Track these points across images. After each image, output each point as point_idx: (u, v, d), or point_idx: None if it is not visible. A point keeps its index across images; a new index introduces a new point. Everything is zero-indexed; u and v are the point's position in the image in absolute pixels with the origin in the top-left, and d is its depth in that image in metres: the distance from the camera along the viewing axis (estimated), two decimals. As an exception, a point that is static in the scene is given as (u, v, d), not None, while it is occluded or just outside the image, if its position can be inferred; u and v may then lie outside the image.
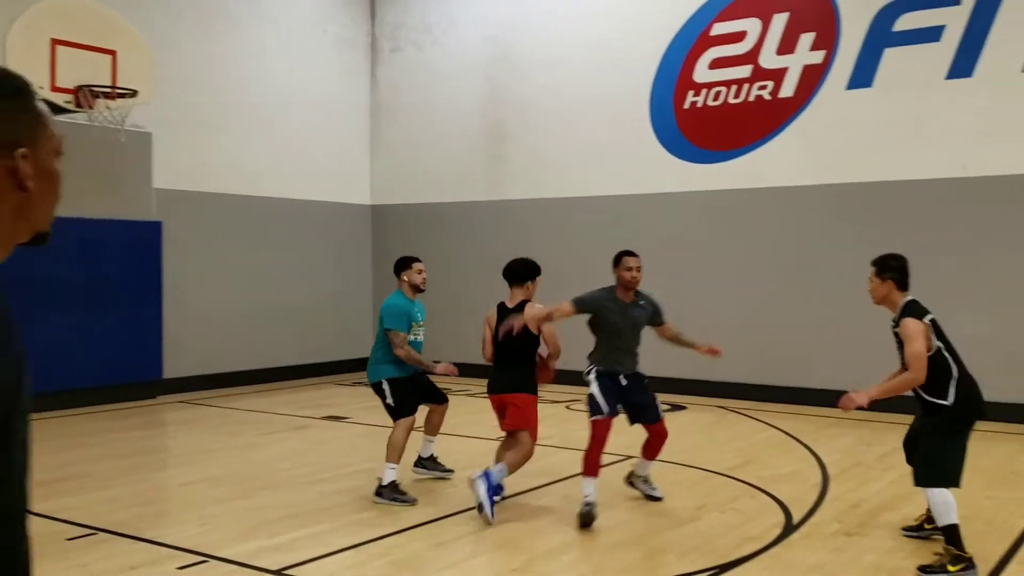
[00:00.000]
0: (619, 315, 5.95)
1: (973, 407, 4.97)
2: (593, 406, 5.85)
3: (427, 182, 13.67)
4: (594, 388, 5.89)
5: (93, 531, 5.56)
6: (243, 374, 12.08)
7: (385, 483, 6.26)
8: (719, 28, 11.21)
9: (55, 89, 8.35)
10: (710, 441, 8.63)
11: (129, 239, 10.75)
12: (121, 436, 8.96)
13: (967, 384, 4.95)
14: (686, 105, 11.44)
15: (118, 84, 8.70)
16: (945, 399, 4.91)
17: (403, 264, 6.71)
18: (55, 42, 8.41)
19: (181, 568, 4.93)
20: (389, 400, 6.53)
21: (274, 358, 12.58)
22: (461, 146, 13.34)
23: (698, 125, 11.37)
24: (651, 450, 6.14)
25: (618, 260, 6.07)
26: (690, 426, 9.37)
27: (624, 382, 5.96)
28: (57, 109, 8.66)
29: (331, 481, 6.95)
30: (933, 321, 5.00)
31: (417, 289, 6.63)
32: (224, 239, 12.07)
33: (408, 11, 13.88)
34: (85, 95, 8.51)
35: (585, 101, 12.16)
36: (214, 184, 11.95)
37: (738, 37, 11.08)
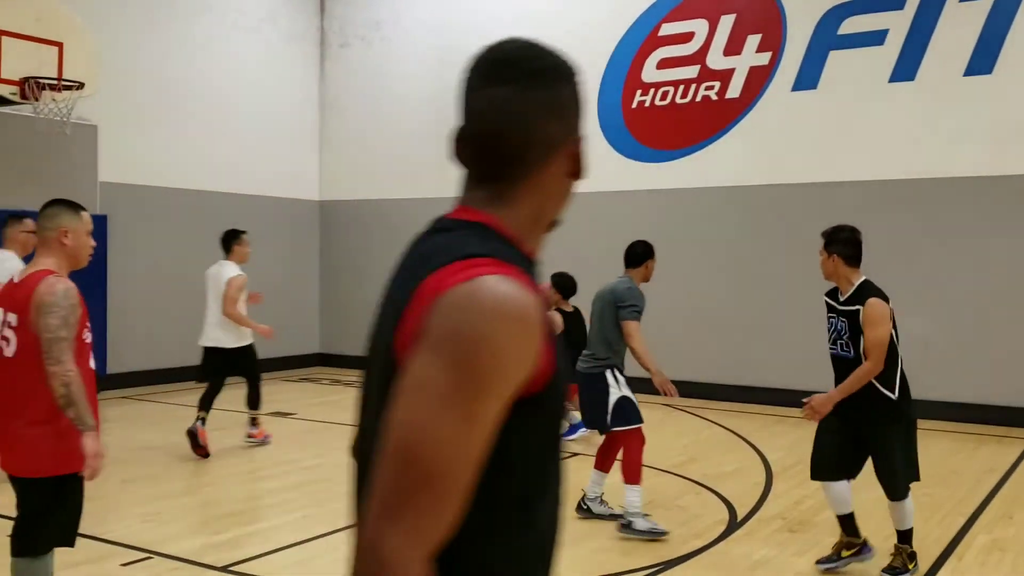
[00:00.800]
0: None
1: (910, 401, 4.74)
2: (631, 411, 5.60)
3: (376, 178, 13.62)
4: (627, 391, 5.66)
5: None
6: (188, 369, 11.88)
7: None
8: (667, 28, 11.35)
9: (1, 81, 8.16)
10: (656, 438, 8.72)
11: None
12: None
13: (904, 377, 4.72)
14: (634, 104, 11.56)
15: (64, 76, 8.53)
16: (892, 392, 4.62)
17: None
18: (0, 32, 8.21)
19: (125, 565, 4.88)
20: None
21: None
22: (410, 143, 13.31)
23: (646, 124, 11.50)
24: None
25: (651, 254, 5.83)
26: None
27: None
28: (2, 101, 8.47)
29: (278, 477, 6.91)
30: None
31: None
32: (170, 234, 11.88)
33: (357, 7, 13.81)
34: (31, 87, 8.33)
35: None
36: (160, 178, 11.76)
37: (686, 38, 11.23)
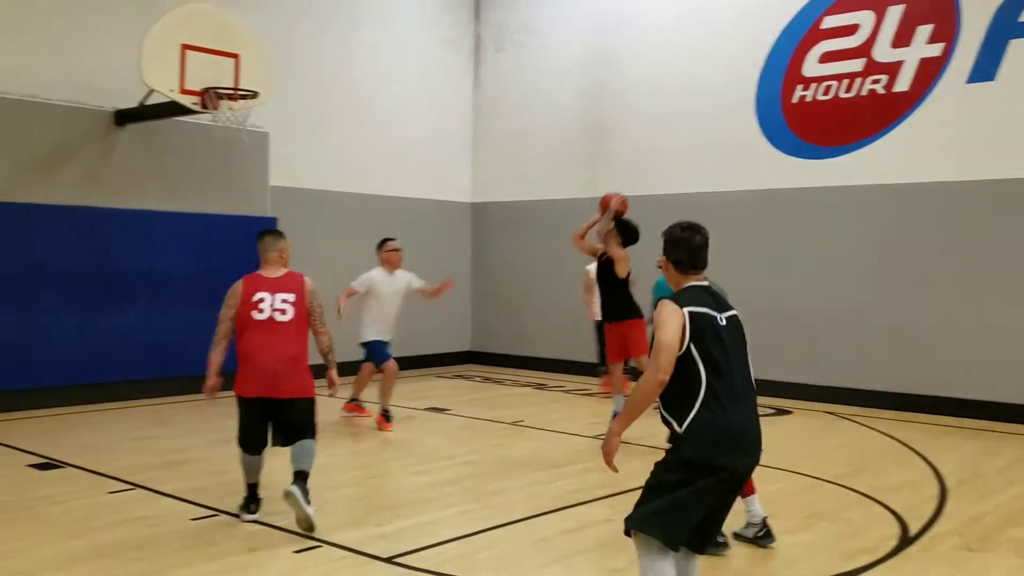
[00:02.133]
0: None
1: (708, 452, 3.48)
2: None
3: (526, 180, 13.76)
4: None
5: (215, 512, 5.82)
6: (349, 364, 12.35)
7: None
8: (830, 21, 10.92)
9: (184, 91, 8.74)
10: (818, 448, 8.44)
11: (245, 235, 11.13)
12: (231, 424, 9.31)
13: (714, 419, 3.50)
14: (794, 99, 11.18)
15: (240, 86, 9.04)
16: (679, 424, 3.54)
17: None
18: (184, 47, 8.80)
19: (297, 552, 5.12)
20: None
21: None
22: (560, 144, 13.38)
23: (806, 120, 11.10)
24: None
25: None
26: (797, 431, 9.17)
27: None
28: (184, 110, 9.06)
29: (436, 472, 7.08)
30: (705, 316, 3.60)
31: None
32: (331, 235, 12.39)
33: (511, 11, 13.99)
34: (211, 97, 8.87)
35: (688, 96, 12.02)
36: (323, 182, 12.29)
37: (850, 30, 10.77)
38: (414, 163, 13.44)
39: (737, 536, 5.34)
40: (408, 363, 13.12)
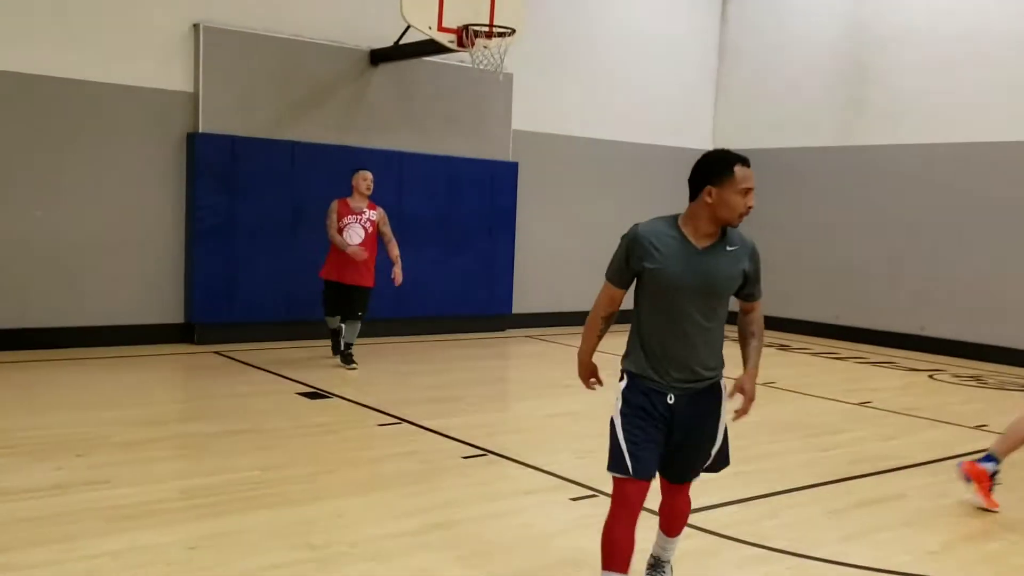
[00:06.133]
0: None
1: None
2: None
3: (773, 126, 12.94)
4: None
5: (483, 452, 5.78)
6: (581, 315, 12.22)
7: None
8: None
9: (441, 29, 8.72)
10: None
11: (489, 178, 11.17)
12: (480, 364, 9.43)
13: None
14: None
15: (495, 23, 8.91)
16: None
17: None
18: (441, -15, 8.76)
19: (573, 500, 4.96)
20: None
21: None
22: (811, 89, 12.45)
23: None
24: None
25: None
26: None
27: None
28: (440, 49, 9.06)
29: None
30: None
31: None
32: (570, 182, 12.21)
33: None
34: (468, 34, 8.80)
35: (961, 38, 10.79)
36: (564, 126, 12.08)
37: None
38: (654, 107, 12.94)
39: None
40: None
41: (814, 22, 12.45)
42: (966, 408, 7.97)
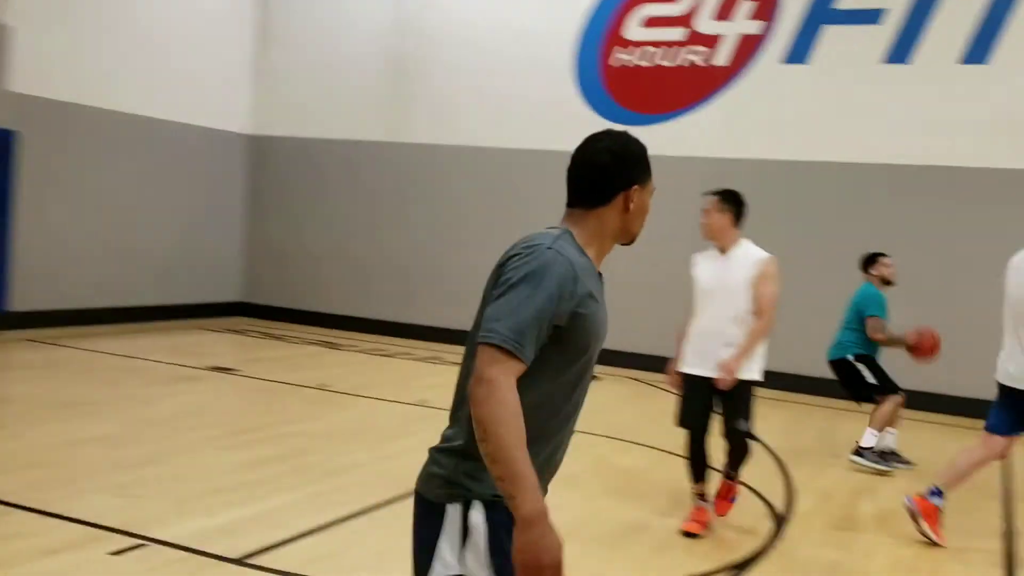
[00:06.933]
0: None
1: None
2: None
3: (317, 116, 12.52)
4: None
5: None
6: (95, 312, 10.62)
7: (865, 445, 6.50)
8: (653, -14, 10.76)
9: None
10: (639, 416, 8.27)
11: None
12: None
13: None
14: (613, 62, 10.93)
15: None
16: None
17: (871, 259, 7.03)
18: None
19: (114, 554, 3.98)
20: (870, 379, 6.67)
21: (129, 296, 11.12)
22: (360, 80, 12.28)
23: (625, 84, 10.89)
24: None
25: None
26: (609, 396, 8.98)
27: None
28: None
29: (253, 446, 6.02)
30: None
31: (886, 282, 6.93)
32: (88, 158, 10.54)
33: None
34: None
35: (503, 42, 11.39)
36: (81, 94, 10.36)
37: (673, -4, 10.67)
38: (187, 83, 11.67)
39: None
40: (163, 313, 11.52)
41: (361, 10, 12.24)
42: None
